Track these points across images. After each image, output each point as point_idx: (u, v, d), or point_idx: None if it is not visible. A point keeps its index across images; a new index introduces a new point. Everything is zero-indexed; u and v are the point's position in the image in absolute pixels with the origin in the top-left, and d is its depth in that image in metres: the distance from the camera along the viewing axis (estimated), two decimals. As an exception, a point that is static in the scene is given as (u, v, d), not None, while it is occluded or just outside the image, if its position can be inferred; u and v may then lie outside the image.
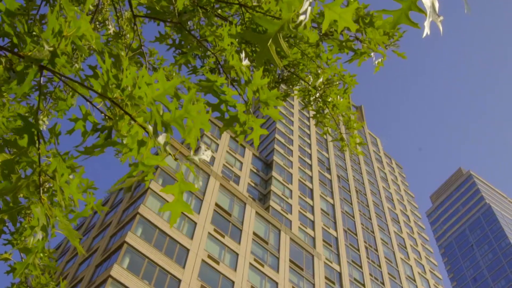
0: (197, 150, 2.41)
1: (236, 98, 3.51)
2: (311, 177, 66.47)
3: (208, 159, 2.19)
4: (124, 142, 2.27)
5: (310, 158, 70.85)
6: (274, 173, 59.85)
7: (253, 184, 57.23)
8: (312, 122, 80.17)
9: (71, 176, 2.77)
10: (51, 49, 2.14)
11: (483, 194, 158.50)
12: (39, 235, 2.29)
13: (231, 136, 60.31)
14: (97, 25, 6.99)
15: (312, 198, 62.36)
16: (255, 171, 59.57)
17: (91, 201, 3.14)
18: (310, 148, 73.45)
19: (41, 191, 2.46)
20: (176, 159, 2.08)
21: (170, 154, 2.07)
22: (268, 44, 1.81)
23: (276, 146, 65.33)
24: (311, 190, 63.84)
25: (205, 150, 2.17)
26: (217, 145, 56.56)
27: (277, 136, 67.67)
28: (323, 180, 68.51)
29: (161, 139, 2.09)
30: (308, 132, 77.71)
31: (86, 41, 2.30)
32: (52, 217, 2.50)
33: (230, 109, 3.37)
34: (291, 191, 59.95)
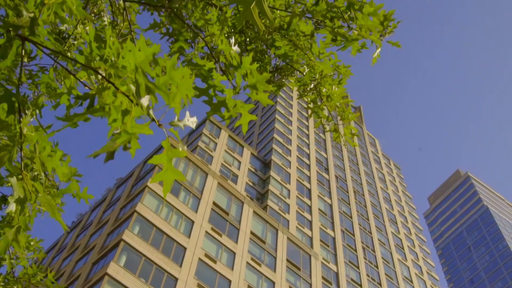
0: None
1: (225, 84, 3.47)
2: (309, 177, 66.45)
3: (193, 126, 2.15)
4: (109, 112, 2.22)
5: (309, 158, 70.83)
6: (272, 173, 59.80)
7: (251, 184, 57.17)
8: (311, 122, 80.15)
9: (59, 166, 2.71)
10: (31, 15, 2.10)
11: (481, 196, 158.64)
12: (12, 206, 2.24)
13: (229, 135, 60.25)
14: (93, 17, 6.99)
15: (310, 198, 62.33)
16: (253, 170, 59.50)
17: (76, 188, 3.09)
18: (309, 148, 73.43)
19: (22, 165, 2.41)
20: (160, 125, 2.04)
21: (154, 119, 2.03)
22: (251, 6, 1.77)
23: (274, 146, 65.28)
24: (309, 190, 63.80)
25: (190, 117, 2.13)
26: (216, 144, 56.49)
27: (275, 135, 67.62)
28: (321, 180, 68.48)
29: (144, 101, 2.05)
30: (306, 132, 77.67)
31: (67, 8, 2.26)
32: (33, 192, 2.45)
33: (218, 94, 3.33)
34: (289, 190, 59.90)
